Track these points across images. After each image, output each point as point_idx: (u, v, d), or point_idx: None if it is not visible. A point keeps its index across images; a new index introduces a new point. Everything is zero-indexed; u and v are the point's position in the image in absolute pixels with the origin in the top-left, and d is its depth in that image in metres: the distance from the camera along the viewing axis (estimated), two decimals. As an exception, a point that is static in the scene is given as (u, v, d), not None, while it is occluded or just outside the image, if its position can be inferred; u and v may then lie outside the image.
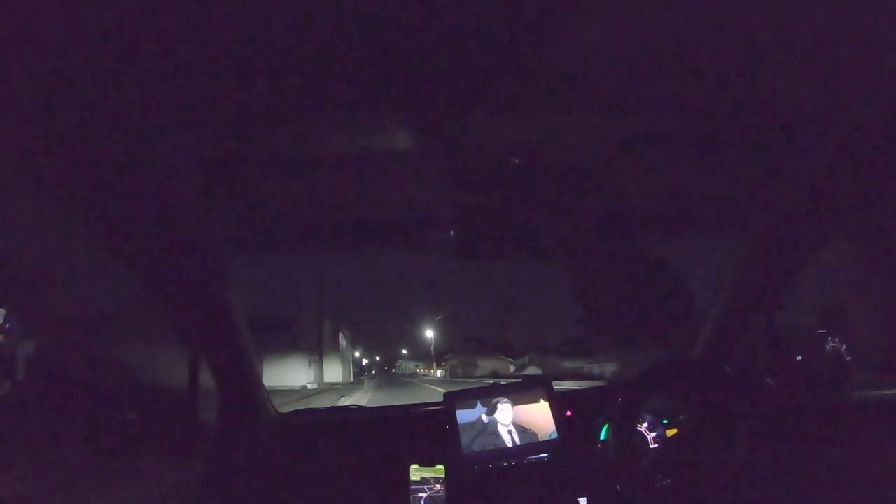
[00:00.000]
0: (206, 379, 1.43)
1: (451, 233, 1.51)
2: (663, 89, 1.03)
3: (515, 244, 1.39)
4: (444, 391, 1.55)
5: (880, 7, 0.79)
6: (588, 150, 1.27)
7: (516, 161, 1.30)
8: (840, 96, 1.01)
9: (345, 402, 4.02)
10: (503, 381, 1.67)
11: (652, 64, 0.93)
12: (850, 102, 1.01)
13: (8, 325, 1.09)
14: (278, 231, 1.70)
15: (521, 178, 1.36)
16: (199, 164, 1.18)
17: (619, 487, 1.35)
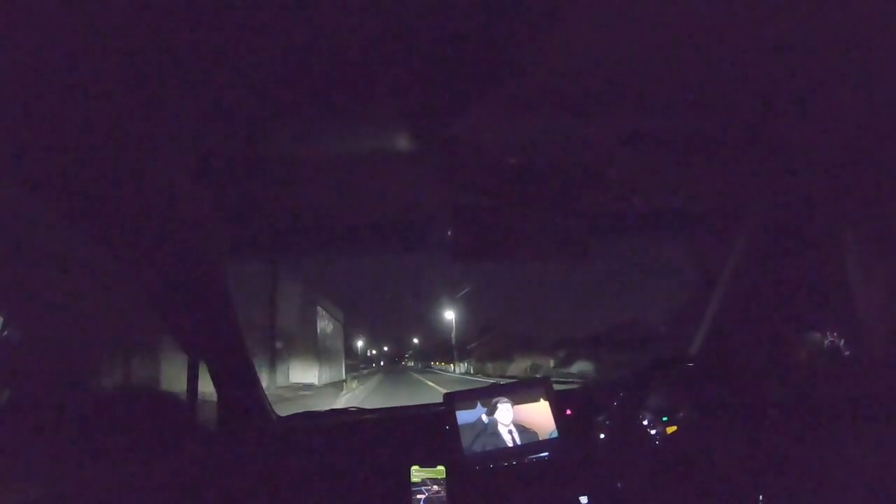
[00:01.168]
0: (205, 382, 1.43)
1: (448, 233, 1.51)
2: (661, 88, 1.03)
3: (514, 245, 1.39)
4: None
5: (880, 3, 0.80)
6: (586, 149, 1.27)
7: (513, 161, 1.30)
8: (840, 91, 1.01)
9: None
10: (503, 382, 1.67)
11: (651, 63, 0.93)
12: (851, 97, 1.01)
13: (6, 333, 1.09)
14: (276, 231, 1.69)
15: (518, 179, 1.36)
16: (198, 166, 1.18)
17: (619, 485, 1.35)
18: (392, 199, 1.51)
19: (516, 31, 0.84)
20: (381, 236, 1.75)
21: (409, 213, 1.58)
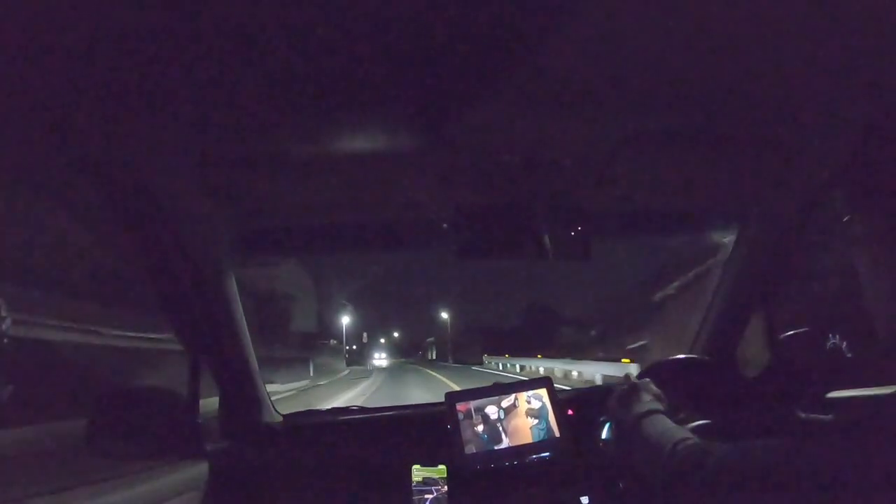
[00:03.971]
0: (206, 380, 1.43)
1: (449, 231, 1.51)
2: (664, 86, 1.02)
3: (516, 244, 1.39)
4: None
5: (882, 2, 0.79)
6: (587, 148, 1.27)
7: (515, 160, 1.29)
8: (843, 88, 1.00)
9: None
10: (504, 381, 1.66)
11: (653, 61, 0.93)
12: (854, 94, 1.01)
13: (4, 327, 1.08)
14: (277, 230, 1.69)
15: (520, 178, 1.35)
16: (199, 164, 1.18)
17: (620, 485, 1.35)
18: (394, 199, 1.51)
19: (518, 30, 0.83)
20: (382, 235, 1.75)
21: (410, 213, 1.58)
